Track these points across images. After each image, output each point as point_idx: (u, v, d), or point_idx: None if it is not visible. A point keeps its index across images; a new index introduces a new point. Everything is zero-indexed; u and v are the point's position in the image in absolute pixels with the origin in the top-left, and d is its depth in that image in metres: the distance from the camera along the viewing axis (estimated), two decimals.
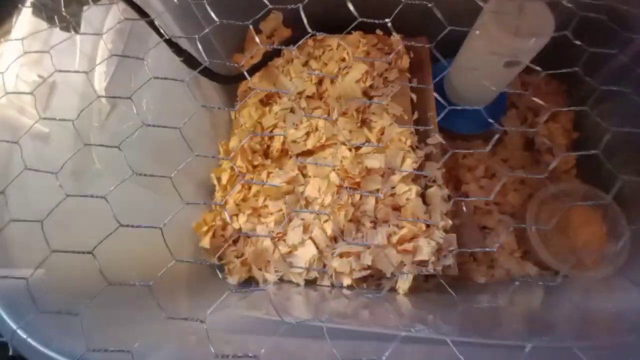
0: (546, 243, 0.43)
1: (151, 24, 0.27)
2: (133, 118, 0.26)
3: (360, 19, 0.28)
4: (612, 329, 0.27)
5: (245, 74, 0.38)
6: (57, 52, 0.28)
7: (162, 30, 0.26)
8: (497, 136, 0.30)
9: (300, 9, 0.27)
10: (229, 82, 0.42)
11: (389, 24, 0.29)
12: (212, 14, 0.28)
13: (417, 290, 0.37)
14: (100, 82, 0.25)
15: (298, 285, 0.33)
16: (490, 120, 0.30)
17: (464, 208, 0.43)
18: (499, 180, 0.49)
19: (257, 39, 0.29)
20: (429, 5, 0.29)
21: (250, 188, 0.37)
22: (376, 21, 0.29)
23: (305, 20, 0.27)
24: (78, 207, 0.21)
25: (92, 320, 0.17)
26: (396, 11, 0.29)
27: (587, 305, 0.38)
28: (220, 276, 0.34)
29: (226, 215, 0.32)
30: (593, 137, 0.50)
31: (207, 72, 0.36)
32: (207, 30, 0.27)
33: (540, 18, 0.36)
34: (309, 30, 0.25)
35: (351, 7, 0.28)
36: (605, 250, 0.44)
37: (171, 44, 0.27)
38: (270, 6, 0.30)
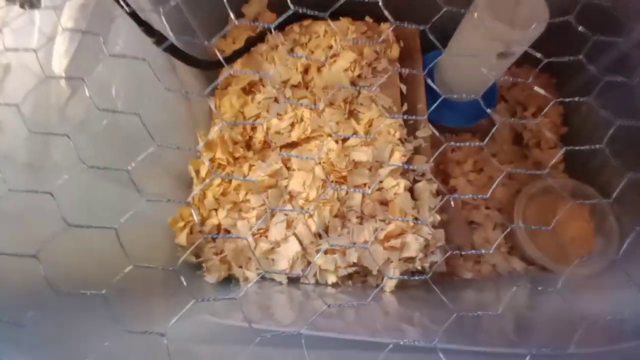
0: (533, 239, 0.43)
1: None
2: (101, 105, 0.24)
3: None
4: (603, 329, 0.27)
5: (222, 60, 0.36)
6: (14, 32, 0.25)
7: (125, 2, 0.24)
8: (495, 128, 0.29)
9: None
10: (209, 68, 0.40)
11: (380, 3, 0.27)
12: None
13: (405, 287, 0.37)
14: (59, 63, 0.22)
15: (280, 283, 0.31)
16: (488, 110, 0.29)
17: (452, 203, 0.43)
18: (487, 174, 0.48)
19: (236, 22, 0.26)
20: None
21: (230, 181, 0.35)
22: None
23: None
24: (32, 204, 0.18)
25: (44, 332, 0.15)
26: None
27: (576, 303, 0.38)
28: (198, 274, 0.32)
29: (193, 214, 0.30)
30: (582, 132, 0.50)
31: (184, 56, 0.34)
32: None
33: (535, 8, 0.35)
34: (292, 7, 0.23)
35: None
36: (592, 246, 0.44)
37: (140, 21, 0.25)
38: None
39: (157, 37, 0.26)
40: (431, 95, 0.48)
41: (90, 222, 0.16)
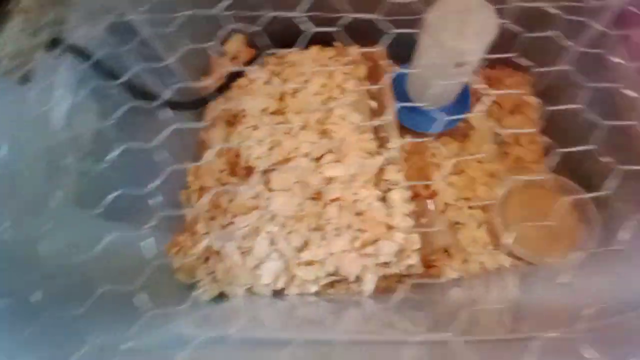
0: (517, 235, 0.44)
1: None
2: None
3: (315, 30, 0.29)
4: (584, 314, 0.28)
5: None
6: None
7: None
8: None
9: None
10: (196, 107, 0.45)
11: (338, 31, 0.31)
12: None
13: (389, 291, 0.39)
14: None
15: (265, 296, 0.34)
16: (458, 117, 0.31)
17: (430, 207, 0.45)
18: (469, 175, 0.50)
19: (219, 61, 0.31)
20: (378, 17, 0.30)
21: (218, 207, 0.39)
22: (329, 29, 0.30)
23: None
24: None
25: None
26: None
27: (559, 292, 0.39)
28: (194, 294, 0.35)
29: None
30: (560, 123, 0.51)
31: (178, 105, 0.39)
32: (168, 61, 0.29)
33: (483, 19, 0.37)
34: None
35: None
36: (577, 236, 0.45)
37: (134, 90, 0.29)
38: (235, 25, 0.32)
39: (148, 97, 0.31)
40: (402, 103, 0.51)
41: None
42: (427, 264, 0.45)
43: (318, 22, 0.36)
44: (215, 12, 0.36)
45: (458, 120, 0.51)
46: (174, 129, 0.34)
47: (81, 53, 0.32)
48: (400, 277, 0.39)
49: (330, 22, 0.38)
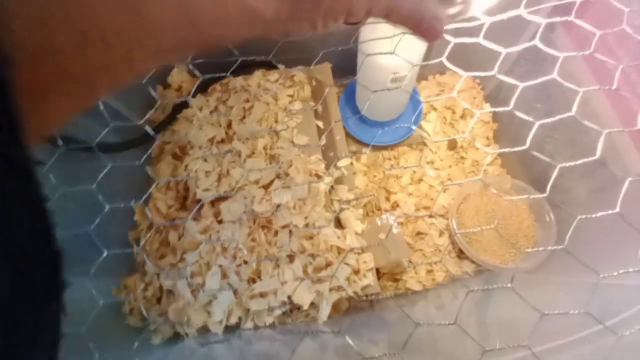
0: (476, 240, 0.44)
1: None
2: None
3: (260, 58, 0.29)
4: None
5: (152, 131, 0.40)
6: None
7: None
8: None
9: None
10: (141, 143, 0.44)
11: (270, 59, 0.31)
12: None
13: (350, 312, 0.38)
14: None
15: (218, 334, 0.33)
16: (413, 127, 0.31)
17: (390, 221, 0.44)
18: (427, 183, 0.50)
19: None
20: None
21: (168, 244, 0.38)
22: (259, 58, 0.30)
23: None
24: None
25: None
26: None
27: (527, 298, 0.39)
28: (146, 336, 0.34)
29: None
30: (511, 126, 0.51)
31: (122, 147, 0.38)
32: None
33: (411, 39, 0.38)
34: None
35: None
36: (535, 238, 0.45)
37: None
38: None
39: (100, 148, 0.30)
40: (356, 119, 0.51)
41: None
42: (392, 278, 0.45)
43: (259, 47, 0.36)
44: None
45: (412, 129, 0.51)
46: (118, 167, 0.34)
47: None
48: (359, 297, 0.39)
49: (272, 45, 0.38)
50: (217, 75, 0.34)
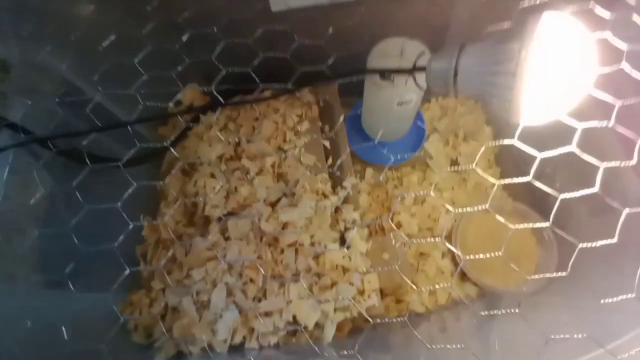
0: (478, 263, 0.44)
1: None
2: None
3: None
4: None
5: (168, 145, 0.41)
6: None
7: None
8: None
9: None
10: (153, 159, 0.45)
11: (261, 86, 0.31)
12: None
13: (353, 333, 0.38)
14: None
15: (222, 354, 0.33)
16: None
17: (394, 241, 0.45)
18: (430, 204, 0.50)
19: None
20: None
21: (175, 260, 0.38)
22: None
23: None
24: None
25: None
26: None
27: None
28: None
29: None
30: (514, 148, 0.53)
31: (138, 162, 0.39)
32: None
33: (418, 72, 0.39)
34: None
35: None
36: (537, 260, 0.45)
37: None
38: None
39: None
40: (361, 139, 0.52)
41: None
42: (395, 300, 0.45)
43: (269, 69, 0.37)
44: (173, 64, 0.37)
45: (416, 150, 0.52)
46: (124, 182, 0.34)
47: (17, 128, 0.32)
48: (364, 318, 0.39)
49: (282, 69, 0.39)
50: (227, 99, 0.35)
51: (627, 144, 0.35)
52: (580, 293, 0.38)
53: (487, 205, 0.27)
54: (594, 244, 0.26)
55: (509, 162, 0.53)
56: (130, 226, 0.30)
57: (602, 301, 0.27)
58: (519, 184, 0.52)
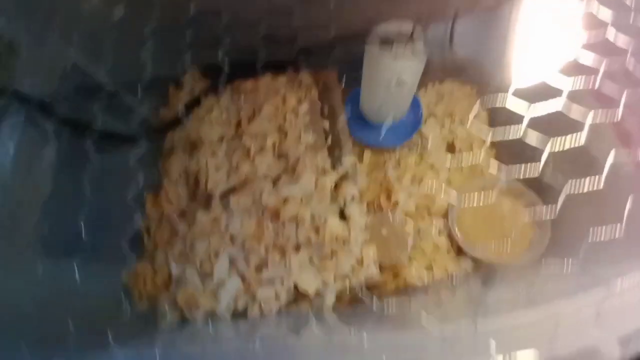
0: (474, 238, 0.46)
1: None
2: None
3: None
4: None
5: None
6: None
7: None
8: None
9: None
10: (153, 138, 0.46)
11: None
12: None
13: (353, 303, 0.39)
14: None
15: (227, 319, 0.34)
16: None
17: (391, 218, 0.46)
18: (427, 185, 0.52)
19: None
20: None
21: (177, 233, 0.39)
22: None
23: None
24: None
25: None
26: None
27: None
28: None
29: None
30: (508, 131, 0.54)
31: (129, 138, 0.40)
32: None
33: (416, 41, 0.41)
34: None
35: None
36: (531, 236, 0.47)
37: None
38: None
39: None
40: (359, 122, 0.53)
41: None
42: (393, 274, 0.46)
43: (269, 50, 0.39)
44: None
45: (413, 133, 0.54)
46: (133, 160, 0.35)
47: (27, 101, 0.33)
48: (362, 289, 0.40)
49: (281, 50, 0.40)
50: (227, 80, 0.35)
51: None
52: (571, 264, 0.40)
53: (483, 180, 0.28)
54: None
55: (503, 145, 0.54)
56: (130, 197, 0.31)
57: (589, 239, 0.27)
58: (515, 165, 0.53)
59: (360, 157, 0.53)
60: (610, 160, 0.39)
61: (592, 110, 0.27)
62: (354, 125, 0.53)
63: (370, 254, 0.37)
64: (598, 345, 0.23)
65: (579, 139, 0.26)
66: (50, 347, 0.25)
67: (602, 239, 0.33)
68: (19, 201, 0.36)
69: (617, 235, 0.30)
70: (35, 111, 0.34)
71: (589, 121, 0.26)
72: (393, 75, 0.41)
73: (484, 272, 0.46)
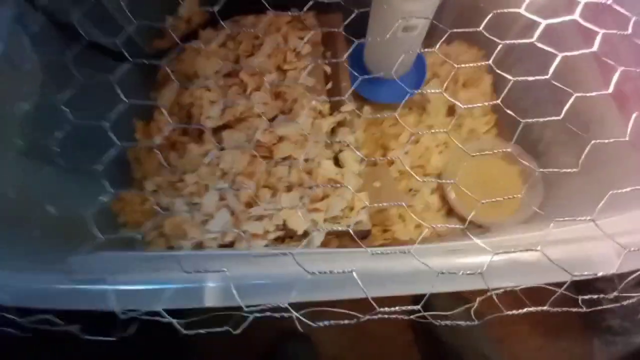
0: (466, 198, 0.46)
1: None
2: None
3: None
4: None
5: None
6: None
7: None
8: None
9: None
10: (147, 61, 0.43)
11: None
12: None
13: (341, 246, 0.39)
14: None
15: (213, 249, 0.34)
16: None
17: (386, 173, 0.45)
18: (424, 145, 0.51)
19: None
20: None
21: (168, 164, 0.38)
22: None
23: None
24: None
25: None
26: None
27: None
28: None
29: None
30: (511, 96, 0.53)
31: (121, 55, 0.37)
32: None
33: None
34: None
35: None
36: (522, 197, 0.47)
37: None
38: None
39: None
40: (361, 75, 0.51)
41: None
42: (382, 229, 0.46)
43: None
44: None
45: (414, 91, 0.52)
46: (122, 89, 0.33)
47: None
48: (350, 236, 0.40)
49: None
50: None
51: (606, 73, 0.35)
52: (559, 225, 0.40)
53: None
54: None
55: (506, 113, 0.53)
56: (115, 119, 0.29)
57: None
58: (512, 129, 0.52)
59: (360, 111, 0.52)
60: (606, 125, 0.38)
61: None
62: (355, 79, 0.51)
63: (362, 201, 0.37)
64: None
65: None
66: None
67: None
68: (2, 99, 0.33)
69: None
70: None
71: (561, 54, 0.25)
72: (402, 17, 0.39)
73: (474, 232, 0.46)
